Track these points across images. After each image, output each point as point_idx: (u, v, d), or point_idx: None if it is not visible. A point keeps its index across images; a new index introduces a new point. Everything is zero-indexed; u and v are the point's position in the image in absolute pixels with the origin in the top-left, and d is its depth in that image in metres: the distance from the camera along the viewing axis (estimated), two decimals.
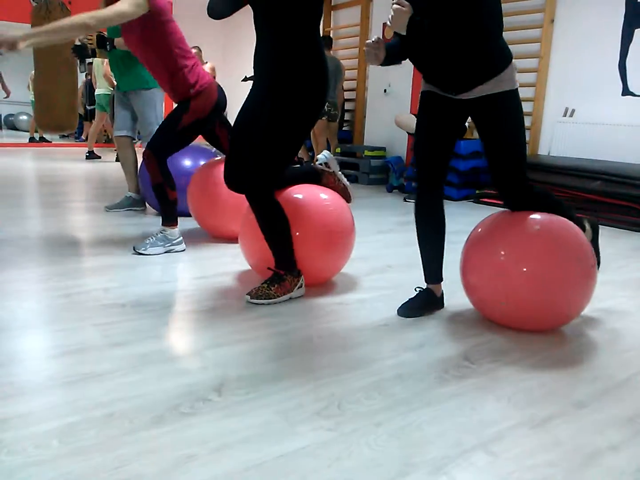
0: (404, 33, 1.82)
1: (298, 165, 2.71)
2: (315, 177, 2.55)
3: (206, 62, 7.33)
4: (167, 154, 2.90)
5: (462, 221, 4.04)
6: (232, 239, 3.21)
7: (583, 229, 2.16)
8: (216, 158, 3.34)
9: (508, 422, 1.40)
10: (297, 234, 2.28)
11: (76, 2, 6.31)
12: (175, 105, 2.93)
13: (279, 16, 2.07)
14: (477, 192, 5.50)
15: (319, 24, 2.15)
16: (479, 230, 2.10)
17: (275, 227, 2.21)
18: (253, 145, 2.15)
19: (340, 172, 2.64)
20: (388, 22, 1.83)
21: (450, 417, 1.41)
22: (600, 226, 3.76)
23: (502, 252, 1.96)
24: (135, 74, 3.74)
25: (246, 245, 2.44)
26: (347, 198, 2.60)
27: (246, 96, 2.27)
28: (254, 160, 2.13)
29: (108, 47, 3.64)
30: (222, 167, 3.19)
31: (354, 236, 2.48)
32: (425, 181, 2.10)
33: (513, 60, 1.94)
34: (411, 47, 1.97)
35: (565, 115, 5.32)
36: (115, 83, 3.98)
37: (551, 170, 4.88)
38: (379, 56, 1.96)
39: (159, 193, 2.91)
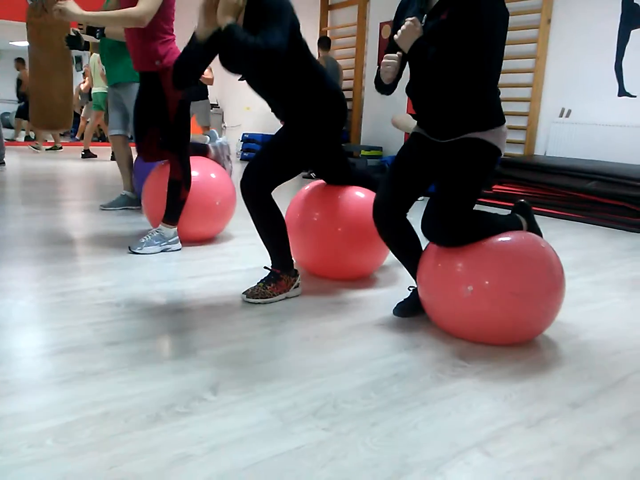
0: (407, 52, 1.82)
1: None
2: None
3: None
4: (184, 146, 2.88)
5: None
6: (202, 241, 3.17)
7: (520, 224, 2.02)
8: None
9: (504, 421, 1.40)
10: (340, 229, 2.43)
11: None
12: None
13: (269, 77, 2.14)
14: None
15: (309, 54, 2.19)
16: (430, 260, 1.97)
17: (271, 227, 2.22)
18: (262, 153, 2.22)
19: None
20: (396, 37, 1.83)
21: (446, 417, 1.41)
22: (595, 226, 3.74)
23: (460, 270, 1.85)
24: (124, 65, 3.65)
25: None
26: None
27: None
28: (257, 165, 2.17)
29: (97, 34, 3.61)
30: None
31: None
32: (389, 207, 2.00)
33: (505, 127, 1.90)
34: (411, 69, 1.95)
35: (561, 115, 5.33)
36: None
37: (547, 171, 4.89)
38: (395, 73, 1.92)
39: (172, 190, 2.88)
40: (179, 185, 2.87)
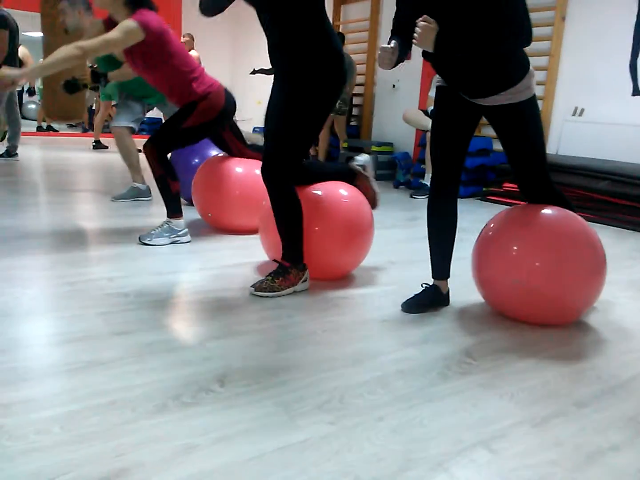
0: (432, 50, 1.79)
1: (335, 163, 2.72)
2: (350, 176, 2.58)
3: (191, 50, 7.40)
4: (168, 149, 2.90)
5: (468, 218, 4.03)
6: (237, 232, 3.22)
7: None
8: (221, 154, 3.34)
9: (510, 420, 1.40)
10: (317, 229, 2.31)
11: None
12: None
13: (281, 14, 2.08)
14: (484, 189, 5.48)
15: (324, 13, 2.14)
16: (492, 225, 2.12)
17: (290, 218, 2.22)
18: (270, 132, 2.20)
19: (373, 178, 2.67)
20: (414, 40, 1.80)
21: (451, 413, 1.41)
22: (606, 226, 3.73)
23: (515, 247, 1.99)
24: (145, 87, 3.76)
25: (267, 239, 2.47)
26: (374, 204, 2.65)
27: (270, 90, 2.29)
28: (271, 147, 2.17)
29: (102, 82, 3.69)
30: (226, 162, 3.21)
31: (372, 231, 2.50)
32: (440, 179, 2.09)
33: (531, 68, 1.91)
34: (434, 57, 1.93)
35: (574, 114, 5.28)
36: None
37: (559, 170, 4.85)
38: (393, 60, 1.90)
39: (161, 185, 2.90)
40: (165, 179, 2.88)
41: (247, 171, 3.18)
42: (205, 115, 2.85)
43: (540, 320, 2.04)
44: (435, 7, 1.80)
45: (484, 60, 1.85)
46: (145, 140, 2.88)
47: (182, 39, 6.91)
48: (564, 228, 2.00)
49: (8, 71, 2.50)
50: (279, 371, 1.58)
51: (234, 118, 3.13)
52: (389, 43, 1.87)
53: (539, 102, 5.41)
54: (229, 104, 2.95)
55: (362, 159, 2.66)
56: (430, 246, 2.18)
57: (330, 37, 2.16)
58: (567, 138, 5.31)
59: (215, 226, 3.33)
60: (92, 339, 1.72)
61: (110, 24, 2.82)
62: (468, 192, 5.40)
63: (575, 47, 5.22)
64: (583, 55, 5.16)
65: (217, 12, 2.22)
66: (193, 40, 7.72)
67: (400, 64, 1.97)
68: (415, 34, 1.79)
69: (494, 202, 5.10)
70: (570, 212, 2.06)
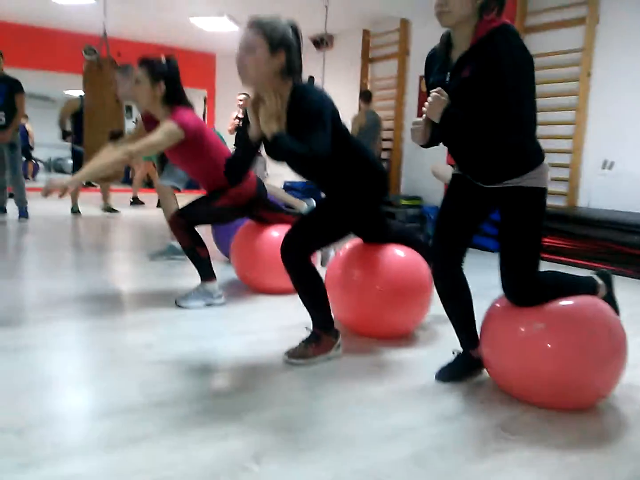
0: (437, 121, 1.85)
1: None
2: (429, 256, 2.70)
3: None
4: (197, 223, 2.99)
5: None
6: (273, 292, 3.26)
7: (595, 289, 2.08)
8: None
9: None
10: (378, 287, 2.46)
11: (125, 55, 6.69)
12: None
13: (325, 171, 2.26)
14: None
15: (349, 138, 2.28)
16: (497, 305, 2.06)
17: (310, 289, 2.27)
18: (303, 220, 2.33)
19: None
20: (424, 109, 1.87)
21: None
22: (637, 280, 3.60)
23: (523, 329, 1.90)
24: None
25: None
26: None
27: None
28: (297, 234, 2.24)
29: None
30: (263, 226, 3.29)
31: (430, 292, 2.55)
32: (443, 254, 2.07)
33: (545, 162, 1.92)
34: (443, 135, 1.98)
35: (604, 167, 5.27)
36: None
37: (589, 223, 4.82)
38: (426, 134, 1.96)
39: (191, 255, 2.99)
40: (194, 249, 2.96)
41: (283, 234, 3.24)
42: (236, 201, 2.97)
43: (554, 406, 1.91)
44: (450, 90, 1.85)
45: (495, 144, 1.84)
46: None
47: (240, 97, 7.02)
48: (576, 312, 1.90)
49: (58, 181, 2.63)
50: (313, 447, 1.59)
51: (265, 176, 3.24)
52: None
53: (567, 156, 5.45)
54: (259, 193, 3.08)
55: None
56: (451, 322, 2.16)
57: (367, 158, 2.29)
58: (597, 191, 5.29)
59: (252, 287, 3.39)
60: (132, 411, 1.76)
61: (147, 118, 3.00)
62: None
63: (601, 101, 5.25)
64: (610, 108, 5.19)
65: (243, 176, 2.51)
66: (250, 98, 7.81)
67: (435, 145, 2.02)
68: (426, 103, 1.86)
69: None
70: (581, 298, 1.95)
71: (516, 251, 1.92)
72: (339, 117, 2.18)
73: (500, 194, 1.95)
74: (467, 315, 2.12)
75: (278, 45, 2.05)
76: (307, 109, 2.03)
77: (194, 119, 2.83)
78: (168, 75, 2.82)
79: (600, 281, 2.13)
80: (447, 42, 1.90)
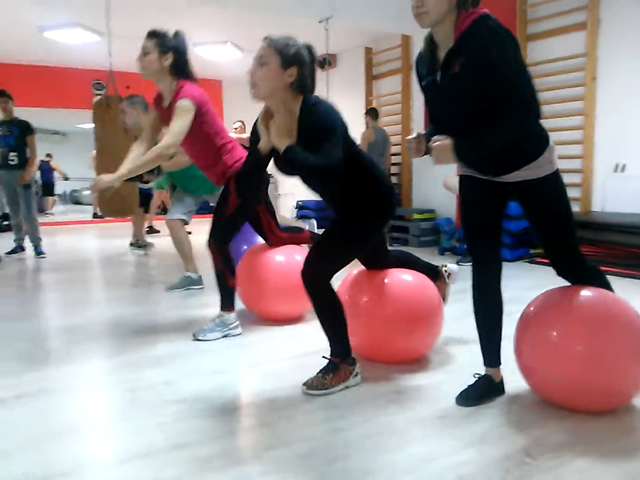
0: (454, 162, 1.88)
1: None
2: (433, 275, 2.73)
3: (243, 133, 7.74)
4: (225, 238, 3.01)
5: (518, 285, 3.97)
6: (280, 322, 3.25)
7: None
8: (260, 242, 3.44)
9: None
10: (388, 312, 2.44)
11: (134, 87, 6.81)
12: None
13: (336, 185, 2.27)
14: (531, 251, 5.41)
15: (359, 152, 2.30)
16: (532, 309, 2.11)
17: (332, 315, 2.27)
18: (320, 242, 2.33)
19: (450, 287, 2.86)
20: (435, 162, 1.89)
21: None
22: None
23: (555, 332, 1.97)
24: (197, 180, 4.02)
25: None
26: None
27: None
28: (316, 256, 2.25)
29: (156, 172, 3.95)
30: (267, 251, 3.28)
31: (441, 315, 2.59)
32: (480, 260, 2.11)
33: (551, 142, 1.95)
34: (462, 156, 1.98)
35: (616, 170, 5.23)
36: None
37: (604, 228, 4.78)
38: (421, 149, 2.03)
39: (220, 280, 3.02)
40: (224, 273, 2.99)
41: (288, 259, 3.23)
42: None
43: (589, 408, 1.98)
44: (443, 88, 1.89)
45: (508, 142, 1.86)
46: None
47: (235, 125, 7.18)
48: (606, 312, 1.96)
49: (107, 177, 2.78)
50: None
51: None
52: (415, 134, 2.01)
53: (579, 161, 5.41)
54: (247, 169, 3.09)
55: (454, 268, 2.84)
56: (479, 333, 2.16)
57: (374, 173, 2.30)
58: (611, 195, 5.24)
59: (260, 316, 3.38)
60: (152, 455, 1.77)
61: (158, 99, 3.03)
62: (515, 255, 5.34)
63: (608, 105, 5.23)
64: (618, 111, 5.16)
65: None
66: (245, 126, 7.96)
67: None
68: (433, 157, 1.88)
69: (542, 265, 5.01)
70: (610, 294, 2.03)
71: (558, 234, 2.01)
72: (347, 131, 2.19)
73: (513, 188, 1.99)
74: (497, 331, 2.13)
75: (290, 61, 2.08)
76: (318, 122, 2.06)
77: (201, 92, 2.90)
78: (176, 48, 2.89)
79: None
80: (431, 42, 1.93)
